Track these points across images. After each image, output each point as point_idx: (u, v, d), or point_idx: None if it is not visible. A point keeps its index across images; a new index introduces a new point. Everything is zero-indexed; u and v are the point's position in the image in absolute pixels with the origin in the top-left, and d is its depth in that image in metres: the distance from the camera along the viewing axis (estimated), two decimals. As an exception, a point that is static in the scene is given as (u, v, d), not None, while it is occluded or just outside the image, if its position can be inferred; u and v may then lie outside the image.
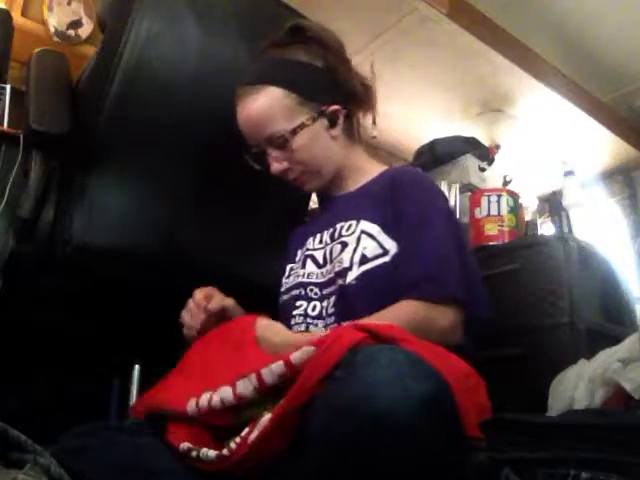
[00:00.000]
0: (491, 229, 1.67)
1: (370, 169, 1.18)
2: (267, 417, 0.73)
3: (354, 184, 1.16)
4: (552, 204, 2.41)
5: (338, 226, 1.09)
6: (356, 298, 0.98)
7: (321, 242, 1.12)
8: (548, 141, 3.28)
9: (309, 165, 1.11)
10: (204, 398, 0.83)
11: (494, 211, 1.70)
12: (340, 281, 1.01)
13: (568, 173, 3.03)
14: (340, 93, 1.13)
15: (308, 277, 1.08)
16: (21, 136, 1.22)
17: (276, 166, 1.09)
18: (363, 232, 1.04)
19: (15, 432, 0.64)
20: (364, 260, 1.00)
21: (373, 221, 1.04)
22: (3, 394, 1.02)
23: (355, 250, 1.02)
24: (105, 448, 0.79)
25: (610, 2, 2.60)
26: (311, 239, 1.15)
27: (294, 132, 1.06)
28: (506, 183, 2.17)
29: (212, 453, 0.76)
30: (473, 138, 2.26)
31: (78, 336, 1.28)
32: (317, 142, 1.10)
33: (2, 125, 1.55)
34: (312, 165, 1.11)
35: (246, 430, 0.75)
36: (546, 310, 1.42)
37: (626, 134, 3.34)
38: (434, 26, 2.55)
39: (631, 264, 2.65)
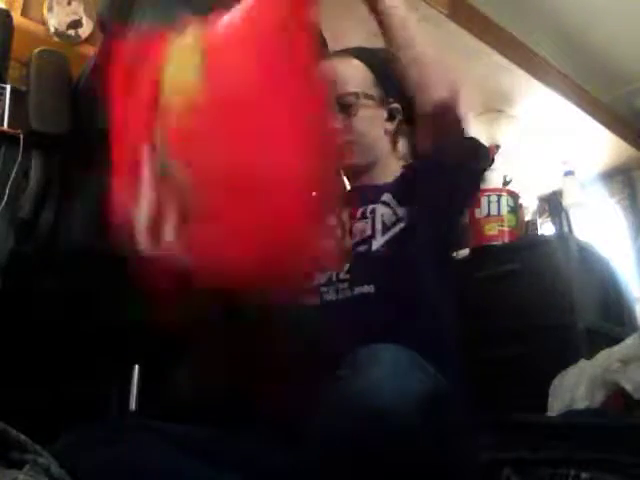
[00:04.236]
0: (491, 229, 1.67)
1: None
2: None
3: (378, 180, 1.18)
4: (552, 204, 2.41)
5: (359, 210, 1.09)
6: (380, 264, 1.00)
7: None
8: (548, 141, 3.28)
9: (360, 138, 1.14)
10: None
11: (494, 211, 1.71)
12: (361, 249, 1.03)
13: (568, 173, 3.03)
14: (405, 101, 1.17)
15: None
16: (21, 136, 1.22)
17: None
18: (380, 201, 1.07)
19: (15, 432, 0.64)
20: (385, 228, 1.04)
21: (388, 192, 1.08)
22: (3, 394, 1.02)
23: (374, 219, 1.05)
24: (105, 445, 0.79)
25: (610, 2, 2.60)
26: None
27: (365, 96, 1.13)
28: (506, 183, 2.17)
29: None
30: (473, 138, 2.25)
31: (78, 337, 1.27)
32: (374, 124, 1.16)
33: (2, 125, 1.54)
34: (362, 140, 1.15)
35: None
36: (546, 310, 1.42)
37: (626, 134, 3.33)
38: (434, 26, 2.54)
39: (631, 264, 2.65)
